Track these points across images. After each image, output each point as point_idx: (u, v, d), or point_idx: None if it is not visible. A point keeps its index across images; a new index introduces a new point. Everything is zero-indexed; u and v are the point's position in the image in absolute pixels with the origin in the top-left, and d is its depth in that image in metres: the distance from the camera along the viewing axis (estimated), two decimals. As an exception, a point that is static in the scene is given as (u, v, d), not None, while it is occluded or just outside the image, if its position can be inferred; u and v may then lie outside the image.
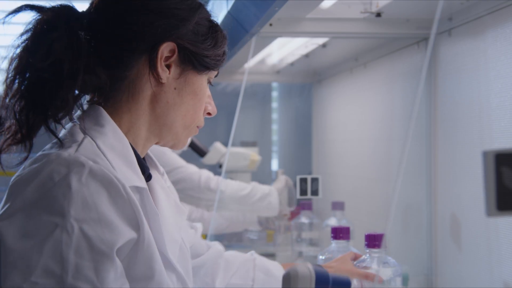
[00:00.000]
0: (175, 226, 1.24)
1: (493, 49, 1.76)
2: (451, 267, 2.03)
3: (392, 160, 2.46)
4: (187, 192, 2.72)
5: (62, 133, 1.16)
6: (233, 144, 3.14)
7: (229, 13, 2.13)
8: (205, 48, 1.22)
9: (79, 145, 1.10)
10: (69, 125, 1.17)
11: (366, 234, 1.50)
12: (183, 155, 2.98)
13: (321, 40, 2.53)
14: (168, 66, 1.19)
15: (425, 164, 2.17)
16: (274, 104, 4.28)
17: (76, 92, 1.16)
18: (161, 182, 1.29)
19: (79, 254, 1.01)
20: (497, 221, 1.72)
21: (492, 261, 1.77)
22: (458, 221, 1.97)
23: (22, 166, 1.11)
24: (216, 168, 3.33)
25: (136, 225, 1.08)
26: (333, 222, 2.52)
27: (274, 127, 4.27)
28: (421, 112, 2.16)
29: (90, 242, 1.02)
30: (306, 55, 2.87)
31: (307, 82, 3.58)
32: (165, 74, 1.19)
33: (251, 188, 2.79)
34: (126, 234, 1.07)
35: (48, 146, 1.15)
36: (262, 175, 3.91)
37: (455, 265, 2.00)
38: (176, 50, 1.19)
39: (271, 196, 2.79)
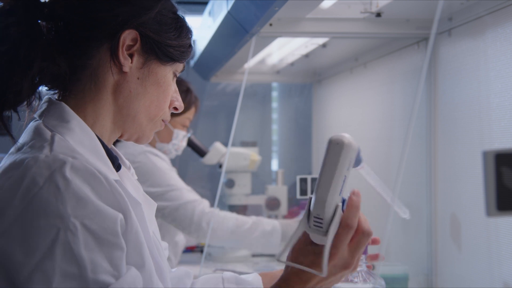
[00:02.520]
0: (147, 220, 1.22)
1: (493, 49, 1.76)
2: (451, 267, 2.03)
3: (392, 160, 2.45)
4: (177, 222, 2.62)
5: (26, 133, 1.15)
6: (233, 144, 3.14)
7: (229, 13, 2.13)
8: (168, 38, 1.21)
9: (51, 144, 1.08)
10: (31, 124, 1.16)
11: None
12: (183, 155, 2.97)
13: (321, 40, 2.53)
14: (131, 55, 1.19)
15: (425, 164, 2.17)
16: (274, 104, 4.28)
17: (36, 81, 1.15)
18: (128, 176, 1.27)
19: (89, 248, 1.00)
20: (497, 221, 1.72)
21: (492, 261, 1.77)
22: (458, 221, 1.97)
23: None
24: (216, 169, 3.33)
25: (123, 214, 1.08)
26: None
27: (274, 127, 4.27)
28: (421, 112, 2.16)
29: (96, 235, 1.01)
30: (306, 55, 2.87)
31: (307, 82, 3.58)
32: (127, 63, 1.18)
33: (252, 223, 2.66)
34: (119, 220, 1.06)
35: (12, 149, 1.13)
36: (262, 175, 3.91)
37: (455, 265, 2.00)
38: (139, 38, 1.18)
39: (272, 236, 2.65)
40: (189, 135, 2.94)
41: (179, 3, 1.28)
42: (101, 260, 1.01)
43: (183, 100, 2.82)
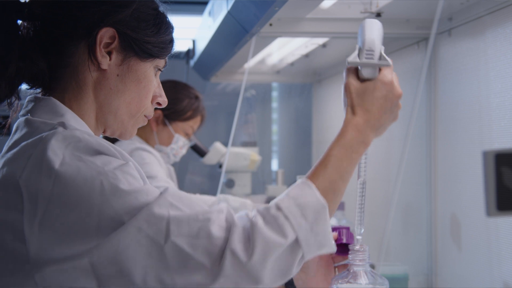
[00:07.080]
0: None
1: (493, 49, 1.76)
2: (451, 267, 2.03)
3: (392, 160, 2.45)
4: None
5: (19, 129, 1.15)
6: (233, 144, 3.14)
7: (229, 13, 2.13)
8: (146, 35, 1.21)
9: (61, 125, 1.11)
10: (20, 120, 1.16)
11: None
12: (183, 155, 2.97)
13: (321, 40, 2.53)
14: (110, 53, 1.19)
15: (425, 164, 2.17)
16: (274, 104, 4.28)
17: (15, 80, 1.16)
18: None
19: (130, 183, 1.08)
20: (497, 221, 1.72)
21: (492, 261, 1.77)
22: (458, 221, 1.97)
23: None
24: (216, 168, 3.33)
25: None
26: (333, 222, 2.52)
27: (274, 127, 4.27)
28: (421, 112, 2.16)
29: (131, 175, 1.09)
30: (306, 55, 2.86)
31: (307, 82, 3.58)
32: (105, 60, 1.19)
33: (215, 199, 2.63)
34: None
35: (6, 148, 1.14)
36: (262, 175, 3.91)
37: (455, 265, 2.01)
38: (117, 36, 1.19)
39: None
40: (191, 144, 2.91)
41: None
42: (145, 187, 1.08)
43: (190, 107, 2.83)
